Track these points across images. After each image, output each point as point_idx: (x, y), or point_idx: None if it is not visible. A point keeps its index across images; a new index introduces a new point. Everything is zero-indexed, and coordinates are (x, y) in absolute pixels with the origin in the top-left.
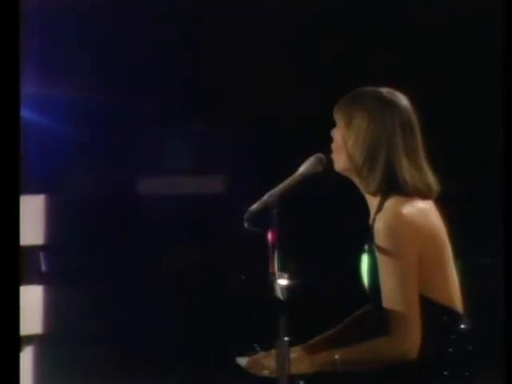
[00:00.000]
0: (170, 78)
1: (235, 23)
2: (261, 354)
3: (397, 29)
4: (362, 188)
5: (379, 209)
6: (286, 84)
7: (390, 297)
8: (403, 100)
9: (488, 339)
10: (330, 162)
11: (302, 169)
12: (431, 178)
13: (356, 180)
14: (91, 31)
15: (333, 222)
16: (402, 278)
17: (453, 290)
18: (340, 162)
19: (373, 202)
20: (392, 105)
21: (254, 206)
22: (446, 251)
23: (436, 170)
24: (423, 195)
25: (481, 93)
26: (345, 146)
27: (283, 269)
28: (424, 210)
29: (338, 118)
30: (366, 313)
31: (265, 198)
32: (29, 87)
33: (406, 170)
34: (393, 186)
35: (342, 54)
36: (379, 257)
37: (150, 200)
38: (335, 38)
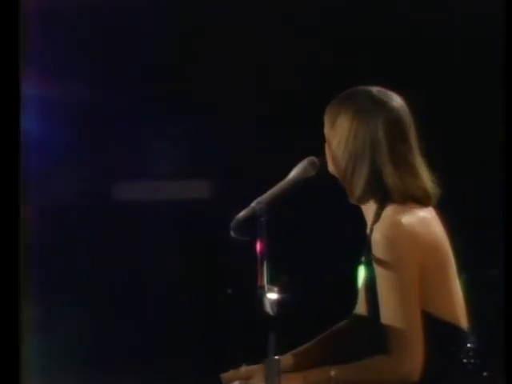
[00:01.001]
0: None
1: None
2: (247, 368)
3: (396, 29)
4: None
5: (376, 219)
6: (280, 84)
7: (389, 313)
8: (395, 100)
9: (492, 356)
10: (323, 166)
11: (293, 173)
12: (428, 183)
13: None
14: (89, 31)
15: (327, 231)
16: (402, 293)
17: (457, 304)
18: (329, 165)
19: (368, 211)
20: (380, 104)
21: (241, 214)
22: (450, 263)
23: (435, 171)
24: (420, 202)
25: (481, 93)
26: (330, 148)
27: (273, 282)
28: (425, 220)
29: (326, 117)
30: (351, 323)
31: (253, 204)
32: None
33: (390, 175)
34: (387, 194)
35: (341, 54)
36: (377, 270)
37: (136, 205)
38: (334, 38)
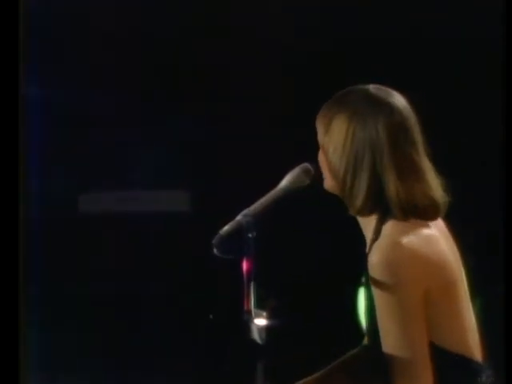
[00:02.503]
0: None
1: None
2: None
3: (396, 28)
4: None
5: (375, 236)
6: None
7: (391, 346)
8: (397, 98)
9: None
10: (319, 174)
11: (284, 182)
12: (438, 191)
13: (345, 201)
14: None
15: (322, 247)
16: (403, 321)
17: (469, 333)
18: (325, 179)
19: (368, 226)
20: (380, 104)
21: (225, 229)
22: (460, 286)
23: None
24: (426, 214)
25: (480, 93)
26: (325, 156)
27: (261, 306)
28: (430, 238)
29: (318, 122)
30: (359, 356)
31: (238, 218)
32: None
33: (393, 182)
34: (388, 206)
35: (340, 54)
36: (376, 295)
37: (108, 217)
38: (333, 38)
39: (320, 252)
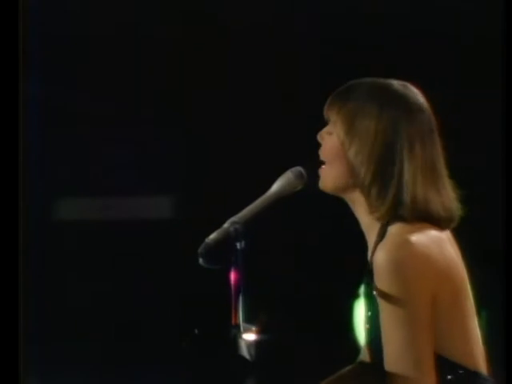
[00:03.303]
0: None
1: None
2: None
3: (396, 29)
4: (360, 211)
5: (380, 238)
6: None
7: (395, 356)
8: (420, 96)
9: None
10: (313, 177)
11: (275, 187)
12: (454, 203)
13: (353, 201)
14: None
15: (316, 256)
16: (410, 330)
17: (475, 344)
18: (332, 177)
19: (372, 229)
20: (409, 102)
21: (212, 237)
22: (468, 295)
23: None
24: (439, 223)
25: (481, 93)
26: (344, 156)
27: (250, 320)
28: (440, 240)
29: (335, 115)
30: (356, 372)
31: (226, 225)
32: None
33: (413, 191)
34: (398, 210)
35: (338, 54)
36: (381, 301)
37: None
38: (333, 38)
39: (313, 262)
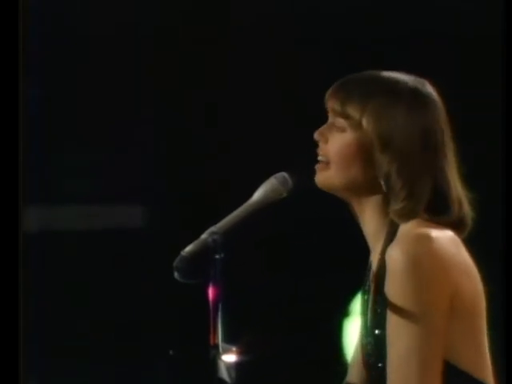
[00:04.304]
0: None
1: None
2: None
3: (396, 29)
4: (369, 213)
5: (391, 237)
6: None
7: (401, 360)
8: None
9: None
10: (299, 183)
11: (257, 195)
12: (467, 206)
13: (362, 203)
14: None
15: (303, 270)
16: (423, 333)
17: (486, 356)
18: (342, 178)
19: (379, 233)
20: (431, 98)
21: (189, 249)
22: (483, 305)
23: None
24: (457, 227)
25: (481, 93)
26: (365, 154)
27: (230, 339)
28: (457, 241)
29: (356, 111)
30: None
31: (204, 236)
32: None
33: (454, 189)
34: (421, 208)
35: (338, 55)
36: (391, 303)
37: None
38: (333, 38)
39: (300, 276)
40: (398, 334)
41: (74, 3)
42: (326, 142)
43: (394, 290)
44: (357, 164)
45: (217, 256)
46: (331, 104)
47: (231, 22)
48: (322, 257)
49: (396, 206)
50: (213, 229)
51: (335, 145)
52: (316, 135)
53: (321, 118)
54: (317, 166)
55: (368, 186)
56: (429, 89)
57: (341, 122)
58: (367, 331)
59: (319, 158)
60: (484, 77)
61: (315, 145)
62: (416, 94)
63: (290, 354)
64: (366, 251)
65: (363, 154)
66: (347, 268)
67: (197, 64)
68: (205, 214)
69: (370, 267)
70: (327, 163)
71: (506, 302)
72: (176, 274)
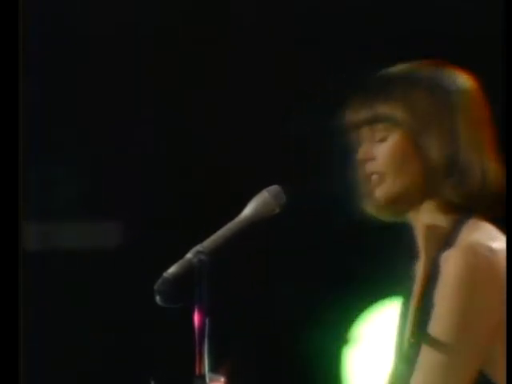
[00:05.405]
0: None
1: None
2: None
3: (396, 28)
4: (424, 216)
5: (448, 242)
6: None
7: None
8: None
9: None
10: (293, 198)
11: (248, 211)
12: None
13: (416, 209)
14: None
15: (295, 292)
16: (462, 356)
17: (505, 371)
18: (400, 187)
19: (434, 231)
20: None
21: (172, 270)
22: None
23: None
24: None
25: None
26: (416, 156)
27: (217, 369)
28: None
29: (397, 113)
30: None
31: (189, 255)
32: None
33: (498, 179)
34: (479, 201)
35: (337, 54)
36: (439, 309)
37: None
38: (331, 39)
39: (292, 299)
40: (439, 340)
41: (74, 3)
42: (374, 158)
43: (446, 293)
44: (410, 164)
45: (203, 278)
46: (361, 115)
47: (231, 22)
48: (316, 281)
49: (453, 184)
50: (198, 248)
51: (385, 155)
52: (361, 156)
53: (321, 118)
54: (369, 186)
55: (423, 185)
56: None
57: (379, 129)
58: (402, 354)
59: (373, 177)
60: (484, 77)
61: (315, 144)
62: (453, 87)
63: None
64: (362, 273)
65: (410, 151)
66: (340, 293)
67: (197, 64)
68: (191, 230)
69: (415, 275)
70: (380, 177)
71: (505, 301)
72: (158, 298)
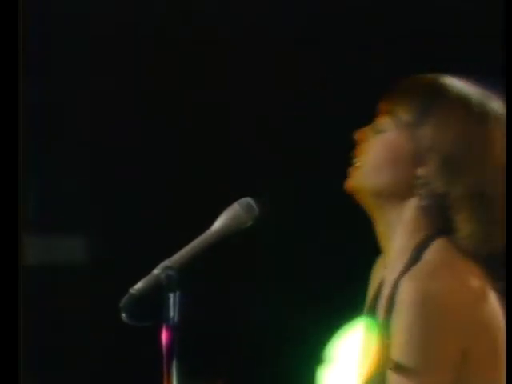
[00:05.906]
0: None
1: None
2: None
3: (396, 28)
4: (402, 227)
5: (415, 258)
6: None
7: None
8: None
9: None
10: (266, 210)
11: (218, 224)
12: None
13: (395, 213)
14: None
15: (270, 307)
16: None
17: None
18: (387, 179)
19: (404, 253)
20: (495, 111)
21: (138, 286)
22: (502, 350)
23: None
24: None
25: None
26: (403, 154)
27: None
28: (481, 287)
29: (402, 105)
30: None
31: (156, 271)
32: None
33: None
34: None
35: (337, 54)
36: (395, 341)
37: None
38: (332, 38)
39: (266, 315)
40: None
41: (73, 3)
42: (364, 141)
43: (400, 326)
44: (395, 166)
45: (171, 294)
46: (385, 105)
47: (231, 22)
48: (292, 294)
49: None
50: (166, 263)
51: (371, 144)
52: (357, 134)
53: (321, 118)
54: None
55: (406, 193)
56: (495, 104)
57: (385, 120)
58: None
59: (354, 161)
60: (484, 77)
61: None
62: (481, 108)
63: None
64: (336, 287)
65: (404, 155)
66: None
67: (197, 64)
68: (155, 246)
69: (383, 284)
70: (361, 166)
71: (505, 301)
72: (123, 316)
